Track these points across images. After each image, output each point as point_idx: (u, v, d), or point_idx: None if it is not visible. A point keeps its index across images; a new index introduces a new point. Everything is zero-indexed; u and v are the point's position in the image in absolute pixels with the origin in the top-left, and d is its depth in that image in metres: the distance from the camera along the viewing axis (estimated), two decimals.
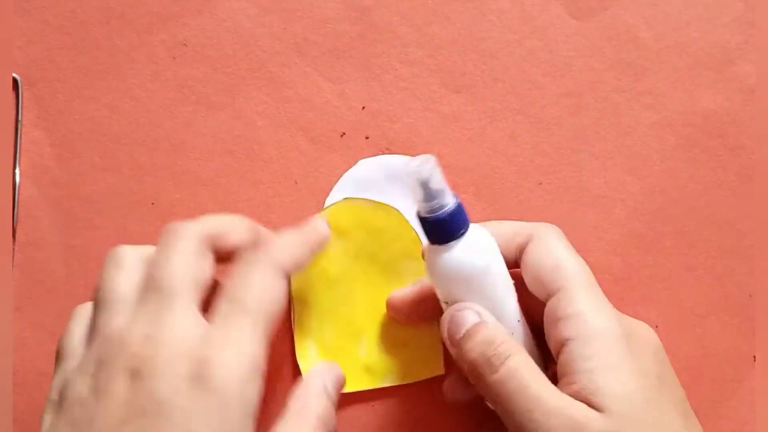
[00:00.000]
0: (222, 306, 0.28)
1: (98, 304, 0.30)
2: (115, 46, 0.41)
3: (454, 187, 0.39)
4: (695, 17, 0.41)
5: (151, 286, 0.28)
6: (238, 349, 0.27)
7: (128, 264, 0.30)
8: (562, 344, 0.29)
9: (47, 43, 0.41)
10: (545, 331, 0.31)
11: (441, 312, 0.32)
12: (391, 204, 0.38)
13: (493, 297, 0.31)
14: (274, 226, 0.39)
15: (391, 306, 0.36)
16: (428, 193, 0.29)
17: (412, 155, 0.40)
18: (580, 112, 0.40)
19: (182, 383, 0.26)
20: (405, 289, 0.36)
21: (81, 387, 0.27)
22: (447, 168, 0.40)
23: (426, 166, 0.29)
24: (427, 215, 0.30)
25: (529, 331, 0.33)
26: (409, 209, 0.39)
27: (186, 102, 0.40)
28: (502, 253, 0.31)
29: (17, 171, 0.39)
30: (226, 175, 0.40)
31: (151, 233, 0.39)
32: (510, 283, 0.32)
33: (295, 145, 0.40)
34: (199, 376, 0.26)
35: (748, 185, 0.40)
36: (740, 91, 0.40)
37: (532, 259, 0.31)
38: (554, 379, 0.29)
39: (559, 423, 0.27)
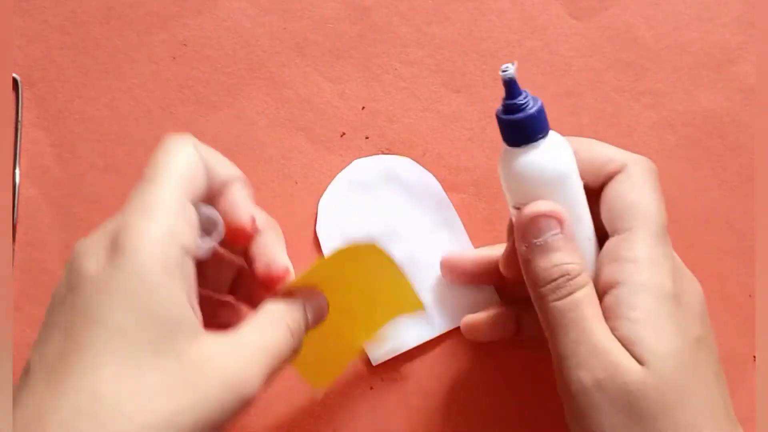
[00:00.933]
0: (136, 185, 0.27)
1: None
2: (115, 46, 0.41)
3: (454, 187, 0.39)
4: (695, 17, 0.41)
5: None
6: (147, 211, 0.26)
7: None
8: (612, 286, 0.29)
9: (47, 43, 0.41)
10: (599, 263, 0.30)
11: (495, 278, 0.31)
12: (386, 203, 0.38)
13: (570, 209, 0.30)
14: None
15: (446, 265, 0.35)
16: (513, 91, 0.29)
17: (412, 155, 0.40)
18: (580, 112, 0.40)
19: (101, 254, 0.25)
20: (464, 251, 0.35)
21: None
22: (447, 168, 0.40)
23: (512, 66, 0.28)
24: (509, 116, 0.29)
25: (597, 251, 0.31)
26: (405, 210, 0.39)
27: (186, 102, 0.40)
28: (591, 176, 0.31)
29: (17, 171, 0.39)
30: None
31: None
32: (585, 199, 0.31)
33: (295, 145, 0.40)
34: (114, 245, 0.25)
35: (748, 185, 0.40)
36: (740, 91, 0.40)
37: (614, 191, 0.31)
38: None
39: (600, 362, 0.27)
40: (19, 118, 0.40)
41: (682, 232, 0.39)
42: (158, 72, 0.40)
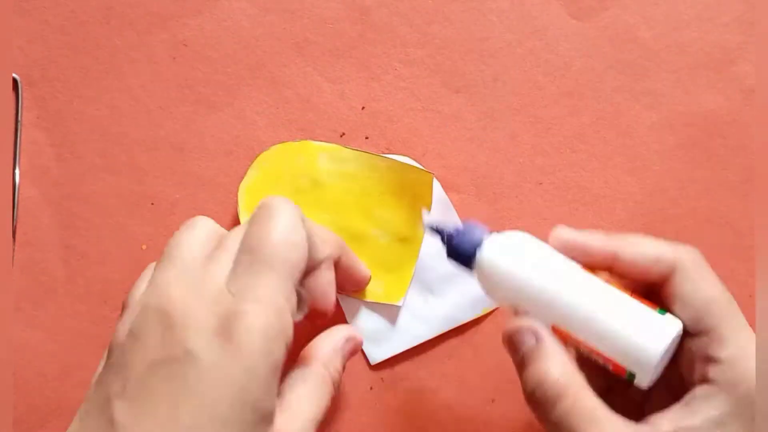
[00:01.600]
0: (244, 258, 0.28)
1: (161, 258, 0.29)
2: (115, 46, 0.41)
3: (454, 187, 0.39)
4: (695, 17, 0.41)
5: (247, 251, 0.28)
6: (263, 303, 0.26)
7: (200, 227, 0.30)
8: (703, 381, 0.29)
9: (47, 43, 0.41)
10: (681, 362, 0.30)
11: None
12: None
13: (537, 298, 0.29)
14: None
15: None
16: (439, 236, 0.31)
17: (412, 155, 0.40)
18: (580, 112, 0.40)
19: (211, 336, 0.26)
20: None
21: (121, 332, 0.27)
22: (447, 168, 0.40)
23: (426, 215, 0.32)
24: (448, 252, 0.31)
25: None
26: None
27: (186, 102, 0.40)
28: (641, 277, 0.30)
29: (17, 171, 0.39)
30: (226, 175, 0.40)
31: (151, 233, 0.39)
32: (569, 279, 0.30)
33: None
34: (225, 331, 0.25)
35: (748, 185, 0.40)
36: (740, 91, 0.40)
37: (681, 294, 0.30)
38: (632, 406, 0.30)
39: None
40: (19, 118, 0.40)
41: (682, 232, 0.39)
42: (158, 72, 0.40)
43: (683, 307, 0.30)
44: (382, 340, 0.38)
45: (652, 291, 0.31)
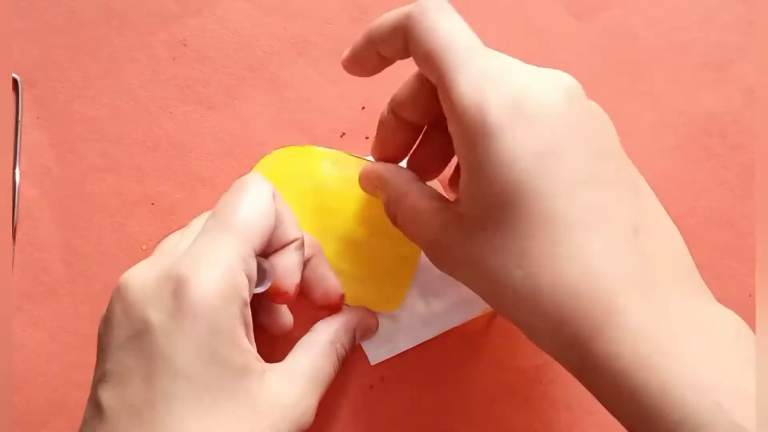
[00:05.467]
0: (208, 224, 0.29)
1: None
2: (115, 46, 0.41)
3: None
4: (695, 17, 0.41)
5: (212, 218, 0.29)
6: (215, 264, 0.27)
7: (191, 226, 0.31)
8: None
9: (47, 43, 0.41)
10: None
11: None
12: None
13: None
14: None
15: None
16: None
17: None
18: None
19: (165, 303, 0.26)
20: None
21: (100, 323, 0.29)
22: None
23: None
24: None
25: None
26: None
27: (186, 102, 0.40)
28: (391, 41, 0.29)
29: (17, 171, 0.39)
30: (226, 175, 0.40)
31: (151, 233, 0.39)
32: None
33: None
34: (178, 295, 0.26)
35: (748, 185, 0.40)
36: (740, 91, 0.40)
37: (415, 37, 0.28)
38: None
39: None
40: (19, 118, 0.40)
41: (682, 232, 0.39)
42: (158, 72, 0.40)
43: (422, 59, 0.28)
44: (383, 341, 0.38)
45: None
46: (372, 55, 0.30)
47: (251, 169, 0.39)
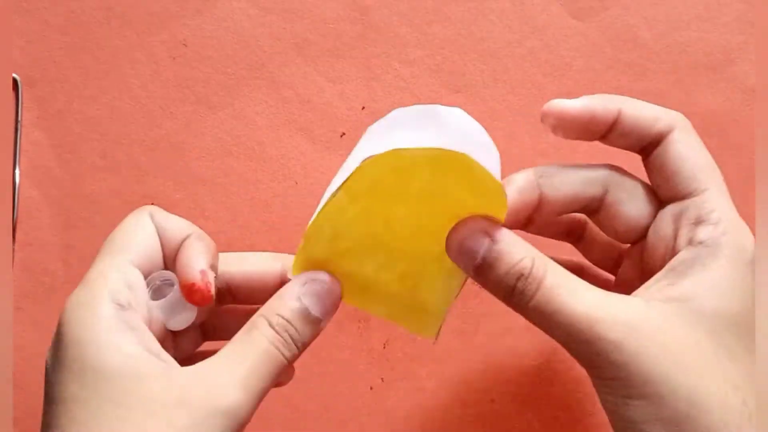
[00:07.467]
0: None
1: None
2: (115, 46, 0.41)
3: None
4: (695, 17, 0.41)
5: None
6: (85, 281, 0.28)
7: None
8: (689, 244, 0.28)
9: (47, 43, 0.41)
10: (658, 224, 0.29)
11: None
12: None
13: None
14: (274, 225, 0.40)
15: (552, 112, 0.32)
16: None
17: None
18: None
19: (54, 338, 0.27)
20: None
21: None
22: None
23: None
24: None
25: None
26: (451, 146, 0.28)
27: (186, 102, 0.40)
28: (640, 134, 0.30)
29: (17, 171, 0.39)
30: (226, 175, 0.40)
31: None
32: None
33: (295, 145, 0.40)
34: (58, 324, 0.27)
35: (748, 185, 0.40)
36: (740, 91, 0.40)
37: (675, 152, 0.30)
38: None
39: (604, 327, 0.26)
40: (19, 118, 0.40)
41: None
42: (158, 72, 0.40)
43: (677, 167, 0.29)
44: None
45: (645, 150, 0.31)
46: (581, 127, 0.31)
47: (249, 167, 0.39)
